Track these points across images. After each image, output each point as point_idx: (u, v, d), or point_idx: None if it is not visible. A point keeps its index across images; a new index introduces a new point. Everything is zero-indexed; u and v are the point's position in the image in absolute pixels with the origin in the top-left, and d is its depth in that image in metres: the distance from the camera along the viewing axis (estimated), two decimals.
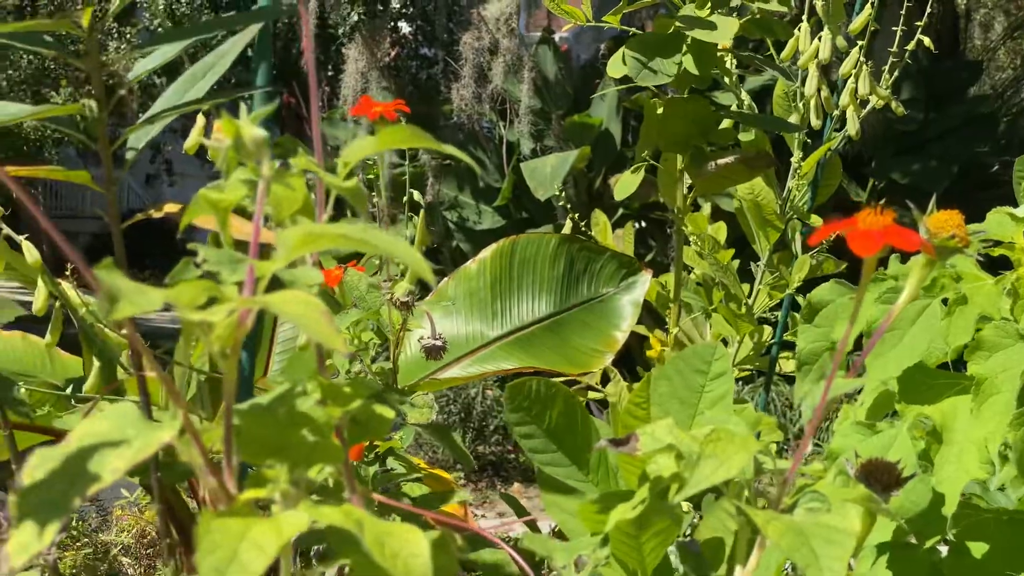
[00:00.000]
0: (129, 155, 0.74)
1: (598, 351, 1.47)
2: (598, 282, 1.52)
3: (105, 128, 0.69)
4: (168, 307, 0.45)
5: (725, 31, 1.31)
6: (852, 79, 1.58)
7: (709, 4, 1.35)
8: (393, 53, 9.26)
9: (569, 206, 1.94)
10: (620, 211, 5.74)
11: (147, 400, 0.76)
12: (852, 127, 1.58)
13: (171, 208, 0.75)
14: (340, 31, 8.89)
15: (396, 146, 0.47)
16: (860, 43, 1.59)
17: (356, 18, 8.59)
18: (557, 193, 5.79)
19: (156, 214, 0.75)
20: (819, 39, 1.52)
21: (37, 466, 0.39)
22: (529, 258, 1.54)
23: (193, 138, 0.95)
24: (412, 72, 10.44)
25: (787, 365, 1.60)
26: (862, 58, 1.57)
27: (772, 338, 1.64)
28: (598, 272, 1.52)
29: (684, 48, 1.32)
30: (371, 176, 1.19)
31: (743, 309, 1.61)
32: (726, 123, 1.37)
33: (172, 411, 0.39)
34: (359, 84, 7.65)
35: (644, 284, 1.51)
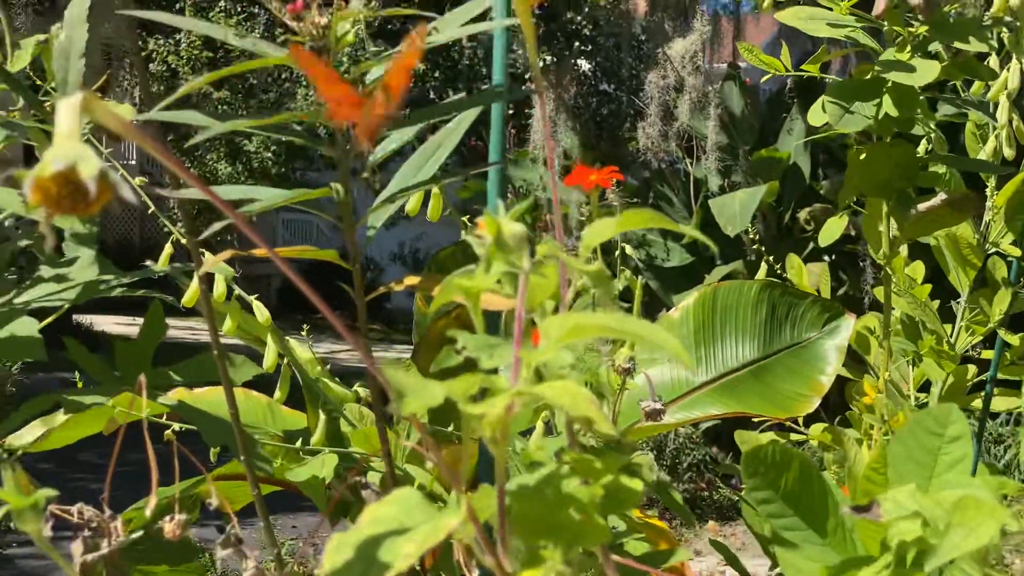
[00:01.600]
0: (370, 233, 0.80)
1: (804, 395, 1.47)
2: (801, 327, 1.53)
3: (350, 210, 0.75)
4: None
5: (926, 74, 1.30)
6: None
7: (909, 48, 1.35)
8: (572, 91, 9.37)
9: (763, 247, 1.94)
10: (811, 245, 5.64)
11: (390, 463, 0.81)
12: None
13: (411, 281, 0.81)
14: (526, 75, 9.06)
15: (637, 227, 0.51)
16: None
17: (542, 62, 8.74)
18: (747, 229, 5.75)
19: (397, 287, 0.81)
20: (1007, 69, 1.50)
21: (334, 552, 0.43)
22: (731, 305, 1.55)
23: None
24: (592, 108, 10.54)
25: (1000, 404, 1.56)
26: None
27: (982, 376, 1.60)
28: (800, 317, 1.53)
29: (884, 92, 1.32)
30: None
31: (945, 347, 1.58)
32: (933, 167, 1.36)
33: (455, 497, 0.44)
34: (548, 130, 7.76)
35: (848, 328, 1.51)
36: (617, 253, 1.22)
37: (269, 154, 12.58)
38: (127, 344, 1.29)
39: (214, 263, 1.09)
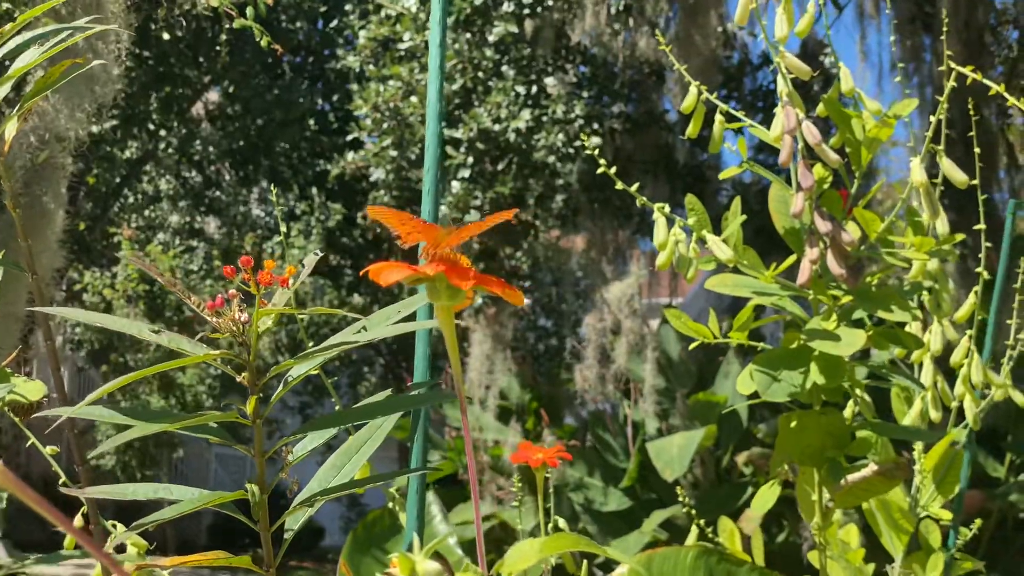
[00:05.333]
0: (287, 535, 0.77)
1: None
2: None
3: (266, 511, 0.73)
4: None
5: (853, 343, 1.32)
6: (965, 367, 1.56)
7: (835, 316, 1.37)
8: (510, 328, 9.46)
9: (694, 511, 1.88)
10: (749, 489, 5.62)
11: None
12: (970, 417, 1.56)
13: None
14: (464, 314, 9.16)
15: (561, 551, 0.49)
16: (969, 332, 1.59)
17: (480, 301, 8.86)
18: (684, 473, 5.73)
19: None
20: (930, 332, 1.53)
21: None
22: (667, 573, 1.51)
23: None
24: (531, 345, 10.63)
25: None
26: (972, 347, 1.57)
27: None
28: None
29: (811, 361, 1.34)
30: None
31: None
32: (862, 434, 1.36)
33: None
34: (484, 367, 7.81)
35: None
36: (552, 502, 1.19)
37: (203, 387, 12.46)
38: None
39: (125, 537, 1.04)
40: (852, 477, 1.31)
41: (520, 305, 0.53)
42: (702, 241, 1.40)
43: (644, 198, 1.40)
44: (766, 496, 1.44)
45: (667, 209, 1.41)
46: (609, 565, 1.46)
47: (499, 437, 6.94)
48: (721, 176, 1.47)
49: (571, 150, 7.41)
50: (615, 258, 8.96)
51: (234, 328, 0.70)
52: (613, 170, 1.40)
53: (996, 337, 1.75)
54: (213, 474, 17.53)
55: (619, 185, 1.40)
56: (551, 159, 7.36)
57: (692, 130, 1.49)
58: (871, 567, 1.66)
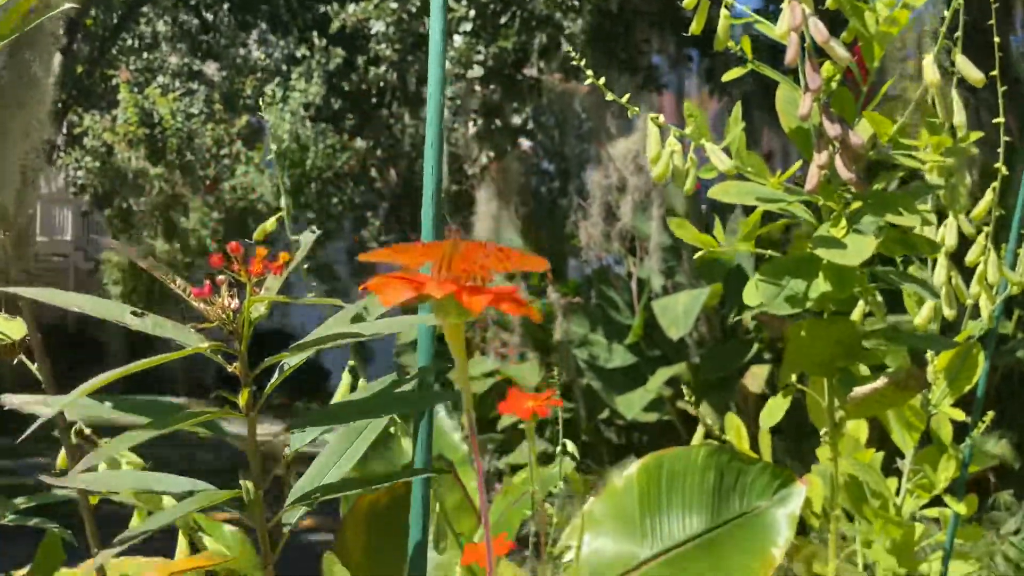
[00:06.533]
0: (285, 530, 0.77)
1: (755, 570, 1.43)
2: (750, 495, 1.50)
3: (262, 509, 0.73)
4: None
5: (862, 251, 1.30)
6: (981, 265, 1.54)
7: (844, 223, 1.35)
8: (516, 181, 9.40)
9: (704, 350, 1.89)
10: (755, 346, 5.67)
11: None
12: (986, 316, 1.54)
13: None
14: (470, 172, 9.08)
15: None
16: (985, 228, 1.56)
17: (485, 159, 8.79)
18: (690, 331, 5.77)
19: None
20: (944, 226, 1.50)
21: None
22: (678, 472, 1.52)
23: None
24: (533, 189, 10.57)
25: (956, 571, 1.54)
26: (989, 244, 1.54)
27: (928, 539, 1.58)
28: (750, 485, 1.50)
29: (819, 271, 1.32)
30: None
31: (892, 510, 1.56)
32: (874, 344, 1.35)
33: None
34: (491, 226, 7.80)
35: (799, 496, 1.48)
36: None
37: (206, 231, 12.41)
38: None
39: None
40: (863, 389, 1.31)
41: (537, 321, 0.52)
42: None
43: (616, 96, 1.36)
44: (775, 407, 1.44)
45: (661, 120, 1.36)
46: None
47: None
48: (724, 79, 1.43)
49: (575, 2, 7.23)
50: (620, 113, 8.84)
51: (224, 316, 0.68)
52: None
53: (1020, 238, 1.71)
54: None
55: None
56: (556, 14, 7.18)
57: (696, 27, 1.44)
58: (880, 454, 1.68)
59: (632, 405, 5.78)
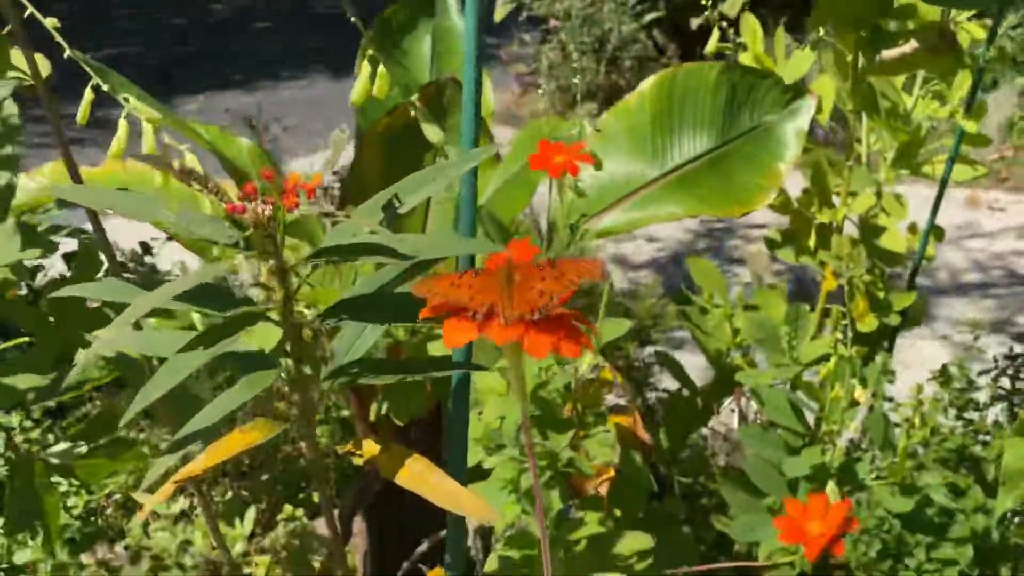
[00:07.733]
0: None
1: (761, 186, 1.43)
2: (761, 110, 1.47)
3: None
4: None
5: None
6: None
7: None
8: None
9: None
10: None
11: None
12: None
13: None
14: None
15: None
16: None
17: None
18: None
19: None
20: None
21: None
22: (691, 89, 1.49)
23: None
24: None
25: (960, 174, 1.52)
26: None
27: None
28: (761, 100, 1.47)
29: None
30: None
31: (901, 115, 1.51)
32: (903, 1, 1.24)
33: None
34: None
35: (809, 110, 1.45)
36: None
37: None
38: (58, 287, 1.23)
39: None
40: (892, 52, 1.24)
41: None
42: None
43: None
44: (800, 61, 1.38)
45: None
46: None
47: None
48: None
49: None
50: None
51: (260, 216, 0.67)
52: None
53: None
54: None
55: None
56: None
57: None
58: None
59: None
